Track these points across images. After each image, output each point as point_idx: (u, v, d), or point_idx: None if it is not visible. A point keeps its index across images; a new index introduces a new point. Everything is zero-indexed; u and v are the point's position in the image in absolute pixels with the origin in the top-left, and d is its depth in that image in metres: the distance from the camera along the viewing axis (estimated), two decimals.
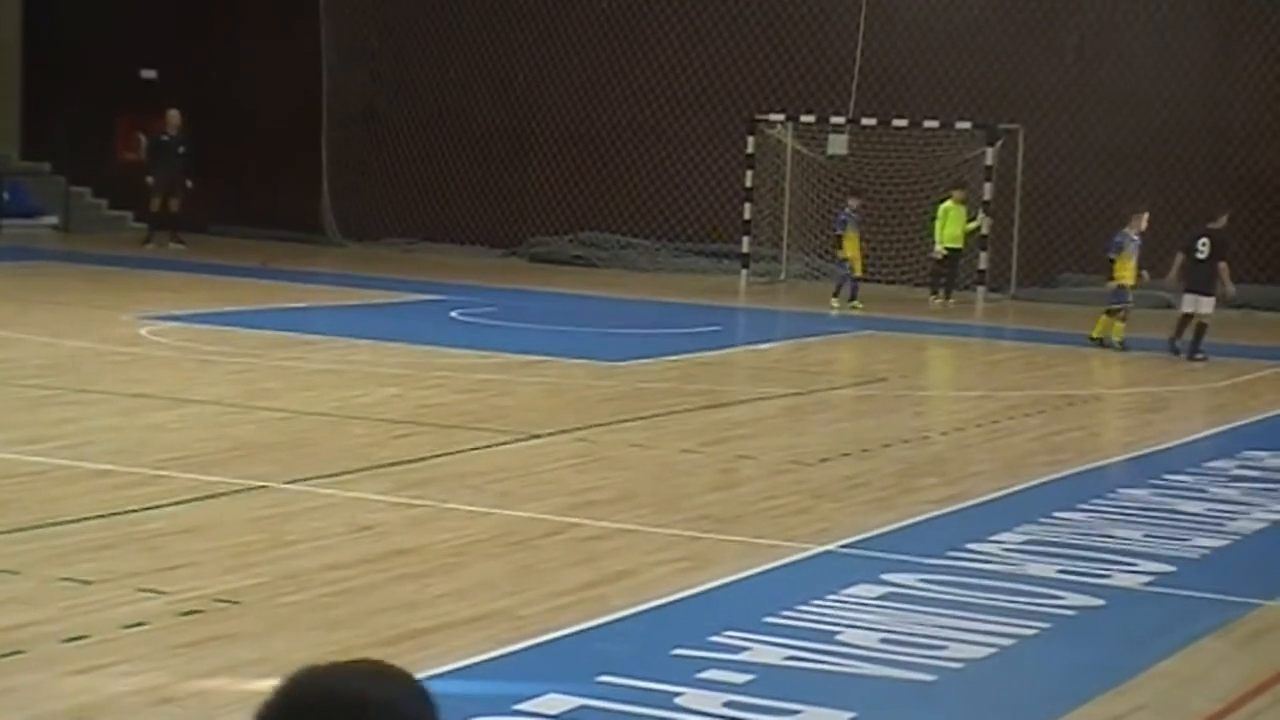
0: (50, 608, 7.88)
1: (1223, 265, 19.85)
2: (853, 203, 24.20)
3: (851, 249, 23.82)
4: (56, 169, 31.71)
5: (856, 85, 27.41)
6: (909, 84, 27.04)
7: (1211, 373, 18.81)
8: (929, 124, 26.24)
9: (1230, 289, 19.96)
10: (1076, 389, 17.12)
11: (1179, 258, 20.13)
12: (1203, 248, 19.96)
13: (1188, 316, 19.70)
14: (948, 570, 9.28)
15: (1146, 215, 20.56)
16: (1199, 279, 19.75)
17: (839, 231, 24.10)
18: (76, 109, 31.29)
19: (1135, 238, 20.36)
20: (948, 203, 24.97)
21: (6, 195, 30.53)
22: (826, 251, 27.22)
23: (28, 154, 32.32)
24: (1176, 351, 19.57)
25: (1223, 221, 20.48)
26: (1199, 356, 19.40)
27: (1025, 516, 10.74)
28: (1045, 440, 13.98)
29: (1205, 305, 19.68)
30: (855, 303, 23.48)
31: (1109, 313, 20.32)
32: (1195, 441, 14.15)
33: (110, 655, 7.22)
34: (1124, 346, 19.95)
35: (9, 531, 9.24)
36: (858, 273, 23.80)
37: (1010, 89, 26.49)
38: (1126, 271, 20.17)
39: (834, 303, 23.53)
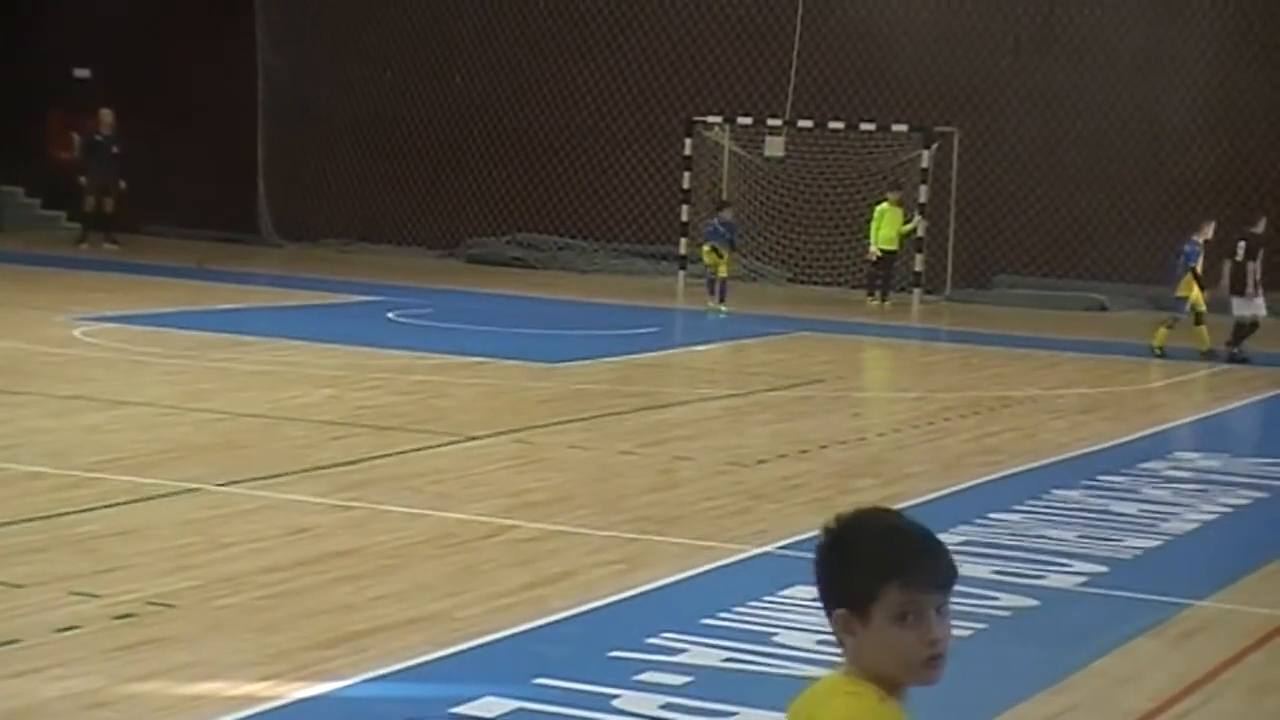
0: None
1: (1253, 265, 20.14)
2: (725, 214, 23.75)
3: (710, 258, 23.31)
4: None
5: (793, 87, 27.50)
6: (846, 86, 27.15)
7: (1146, 374, 18.98)
8: (865, 126, 26.36)
9: (1252, 290, 20.14)
10: (1011, 390, 17.23)
11: (1227, 264, 20.42)
12: (1240, 251, 20.28)
13: (1243, 320, 20.08)
14: None
15: (1213, 224, 20.65)
16: (1237, 281, 20.16)
17: (704, 243, 23.55)
18: (8, 108, 30.98)
19: (1200, 245, 20.49)
20: (884, 205, 25.10)
21: None
22: (764, 253, 27.32)
23: None
24: (1235, 359, 19.81)
25: (1261, 225, 20.81)
26: (1237, 356, 19.78)
27: (961, 517, 10.80)
28: (980, 441, 14.07)
29: (1247, 307, 20.06)
30: (720, 305, 23.09)
31: (1169, 325, 20.35)
32: (1129, 443, 14.27)
33: (43, 659, 7.16)
34: (1162, 353, 20.06)
35: None
36: (723, 272, 23.26)
37: (946, 91, 26.64)
38: (1189, 283, 20.26)
39: (711, 303, 23.15)
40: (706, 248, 23.53)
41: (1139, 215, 26.04)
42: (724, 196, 25.59)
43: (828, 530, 2.96)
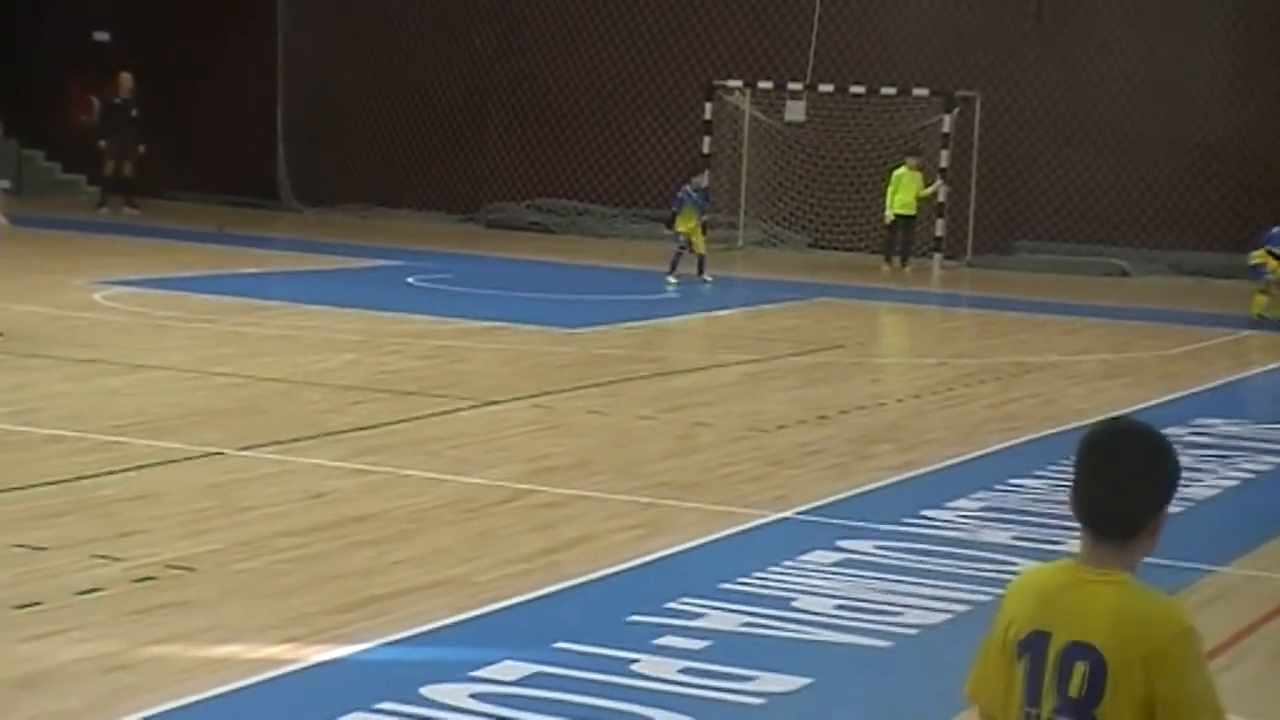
0: (2, 574, 7.83)
1: None
2: (698, 180, 22.64)
3: (686, 226, 21.93)
4: (9, 132, 31.39)
5: (814, 51, 27.38)
6: (867, 51, 27.03)
7: (1165, 340, 18.91)
8: (886, 91, 26.25)
9: None
10: (1031, 356, 17.18)
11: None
12: None
13: None
14: (903, 537, 9.31)
15: None
16: None
17: (674, 209, 22.14)
18: (28, 71, 30.98)
19: None
20: (901, 169, 25.00)
21: None
22: (784, 218, 27.25)
23: None
24: None
25: None
26: None
27: (980, 483, 10.78)
28: (1000, 408, 14.03)
29: None
30: (705, 277, 22.04)
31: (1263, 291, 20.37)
32: (1150, 408, 14.21)
33: (64, 622, 7.18)
34: (1263, 319, 20.03)
35: None
36: (700, 250, 22.06)
37: (968, 56, 26.51)
38: (1263, 254, 20.28)
39: (670, 279, 21.78)
40: (685, 213, 21.91)
41: (1162, 180, 25.90)
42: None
43: (1149, 432, 3.46)
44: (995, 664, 3.43)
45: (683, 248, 22.02)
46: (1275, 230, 20.55)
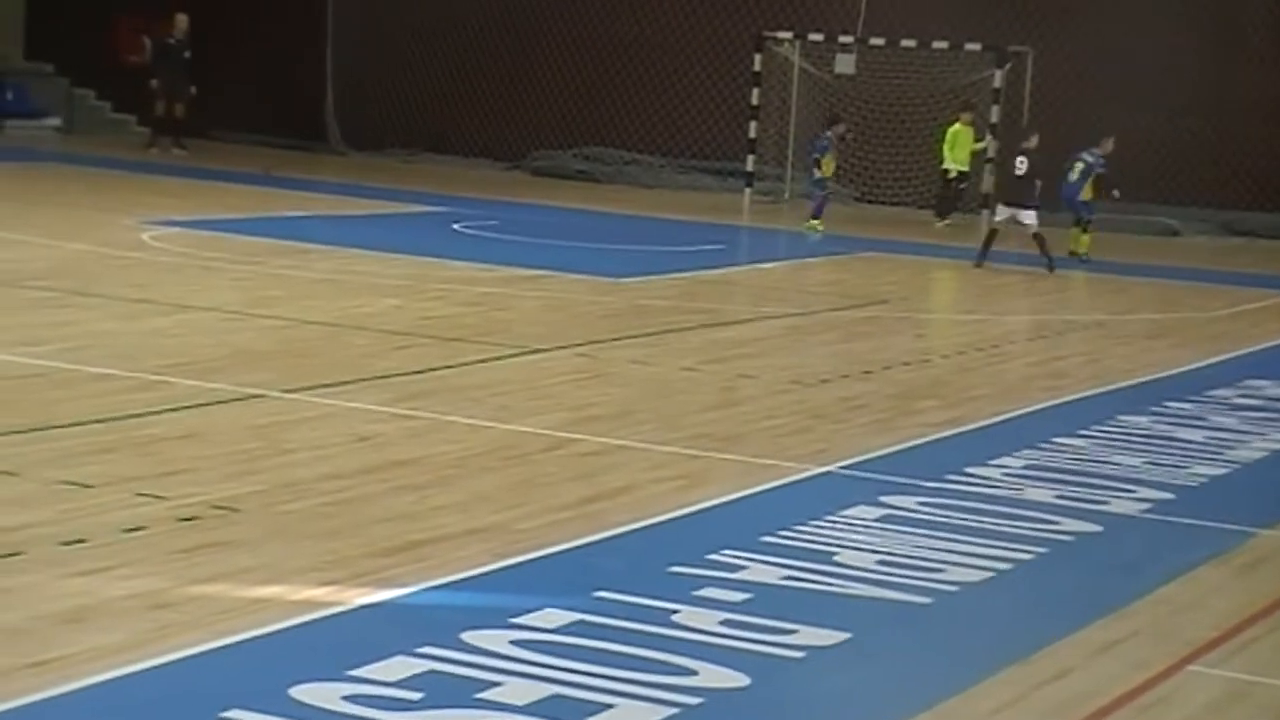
0: (49, 510, 7.89)
1: None
2: (838, 129, 23.63)
3: (829, 170, 23.29)
4: (60, 70, 31.51)
5: (866, 4, 27.18)
6: (919, 4, 26.81)
7: (1213, 300, 18.78)
8: (938, 45, 26.04)
9: None
10: (1078, 314, 17.09)
11: None
12: None
13: None
14: (946, 493, 9.29)
15: None
16: None
17: (817, 155, 23.35)
18: (80, 10, 31.05)
19: None
20: (956, 125, 24.85)
21: (10, 96, 30.38)
22: (812, 167, 27.07)
23: (31, 54, 32.08)
24: None
25: None
26: None
27: (1025, 441, 10.73)
28: (1046, 365, 13.97)
29: None
30: (815, 222, 23.07)
31: None
32: (1196, 369, 14.13)
33: (109, 559, 7.23)
34: None
35: (8, 433, 9.24)
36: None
37: (1021, 10, 26.27)
38: None
39: (816, 224, 22.98)
40: (828, 160, 23.15)
41: (1214, 139, 25.65)
42: (836, 118, 24.67)
43: None
44: None
45: (828, 194, 23.17)
46: None
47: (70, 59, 31.18)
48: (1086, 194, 21.73)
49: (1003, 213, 20.51)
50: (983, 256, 20.31)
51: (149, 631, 6.39)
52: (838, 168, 23.93)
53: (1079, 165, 21.34)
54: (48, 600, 6.68)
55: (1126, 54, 26.00)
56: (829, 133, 23.58)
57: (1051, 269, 19.93)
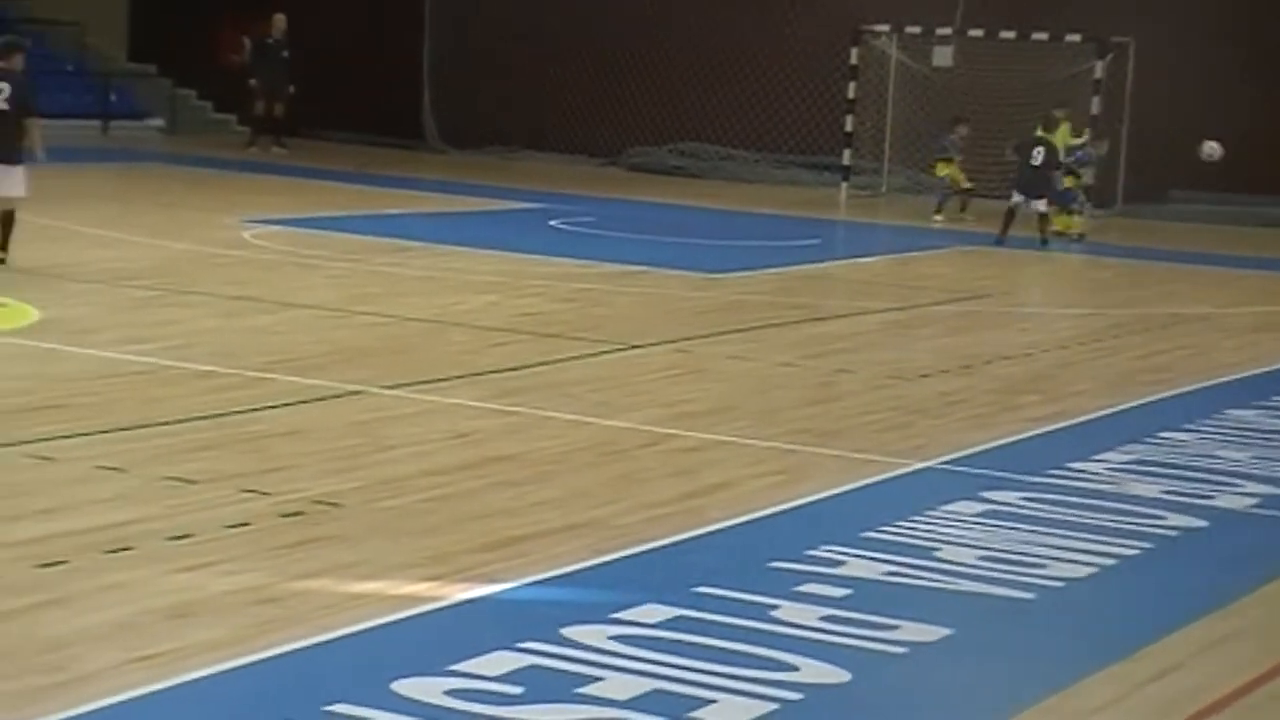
0: (156, 506, 7.99)
1: None
2: (961, 130, 23.94)
3: (946, 170, 23.88)
4: (162, 71, 31.92)
5: None
6: None
7: None
8: (1037, 36, 25.79)
9: None
10: (1183, 307, 16.87)
11: None
12: None
13: None
14: (1049, 488, 9.20)
15: None
16: None
17: (939, 156, 24.02)
18: (182, 11, 31.42)
19: None
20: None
21: (114, 97, 30.81)
22: (928, 165, 26.91)
23: (134, 56, 32.53)
24: None
25: None
26: None
27: (1129, 436, 10.61)
28: (1150, 359, 13.80)
29: None
30: (965, 214, 23.82)
31: None
32: None
33: (214, 554, 7.31)
34: None
35: (116, 430, 9.36)
36: (965, 184, 23.76)
37: (1121, 0, 25.95)
38: None
39: (937, 217, 23.50)
40: (948, 160, 23.76)
41: None
42: (961, 119, 24.87)
43: None
44: None
45: (948, 190, 23.76)
46: None
47: (172, 60, 31.57)
48: (1067, 183, 22.25)
49: (1017, 197, 21.38)
50: (1003, 237, 21.27)
51: (253, 626, 6.45)
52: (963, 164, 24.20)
53: (1039, 150, 21.52)
54: (154, 595, 6.76)
55: (1230, 42, 25.61)
56: (953, 135, 23.93)
57: (1043, 244, 21.29)
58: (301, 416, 10.02)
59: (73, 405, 9.94)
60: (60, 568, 7.03)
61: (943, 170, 23.96)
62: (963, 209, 23.90)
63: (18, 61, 15.19)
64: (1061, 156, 23.31)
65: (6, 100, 14.92)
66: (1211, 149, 20.72)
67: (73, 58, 31.12)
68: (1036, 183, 21.40)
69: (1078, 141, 22.60)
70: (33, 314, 12.84)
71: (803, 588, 7.25)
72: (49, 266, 15.17)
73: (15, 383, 10.51)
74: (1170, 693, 6.38)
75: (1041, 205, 21.38)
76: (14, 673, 5.88)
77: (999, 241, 21.05)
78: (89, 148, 27.43)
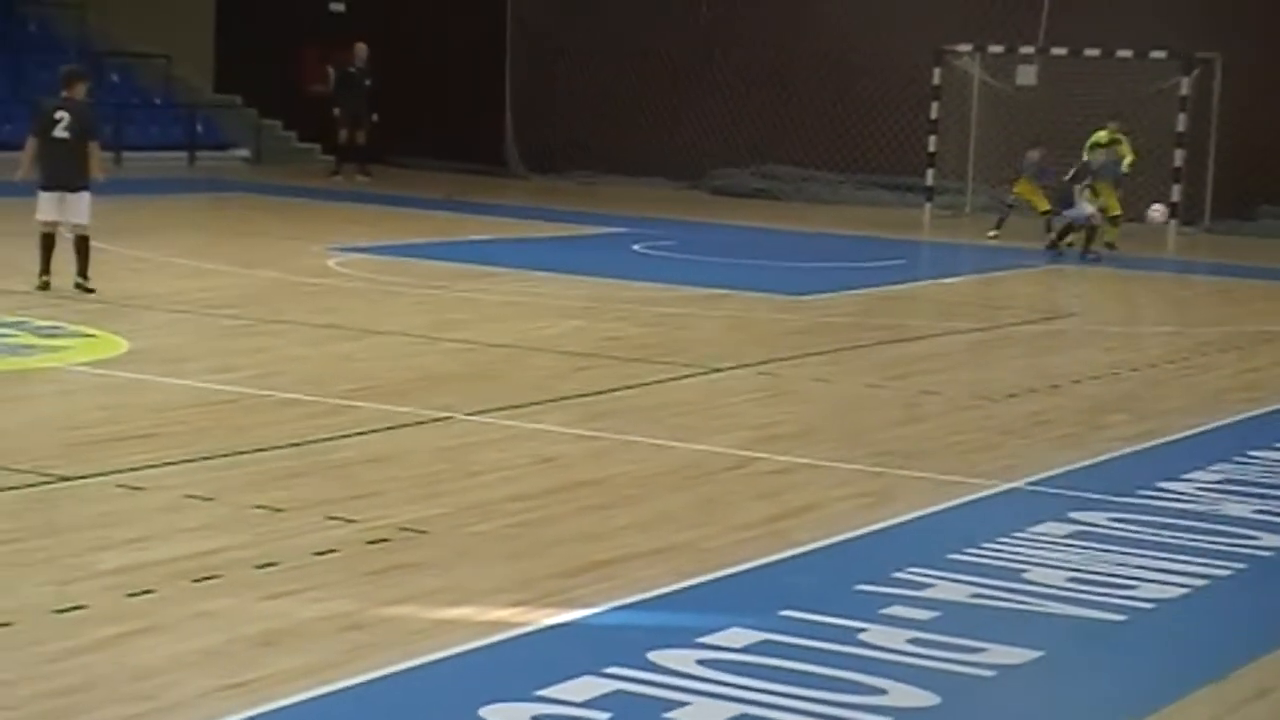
0: (244, 534, 8.05)
1: None
2: (1033, 154, 23.57)
3: (1022, 189, 23.60)
4: (248, 101, 32.28)
5: (1047, 13, 26.80)
6: (1102, 11, 26.37)
7: None
8: (1122, 54, 25.58)
9: None
10: (1274, 325, 16.65)
11: None
12: None
13: None
14: (1139, 509, 9.10)
15: None
16: None
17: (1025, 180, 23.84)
18: (267, 42, 31.78)
19: None
20: (1101, 133, 24.19)
21: (200, 128, 31.18)
22: (1012, 185, 26.74)
23: (220, 87, 32.92)
24: None
25: None
26: None
27: (1220, 455, 10.48)
28: (1241, 377, 13.63)
29: None
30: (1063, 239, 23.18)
31: None
32: None
33: (301, 582, 7.36)
34: None
35: (205, 459, 9.45)
36: (1045, 207, 23.26)
37: (1209, 15, 25.71)
38: None
39: (991, 233, 23.60)
40: (1025, 182, 23.70)
41: None
42: (1035, 143, 24.64)
43: None
44: None
45: (1011, 206, 23.97)
46: None
47: (257, 90, 31.92)
48: (1086, 197, 22.21)
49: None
50: (1055, 245, 21.88)
51: (341, 653, 6.48)
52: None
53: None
54: (243, 623, 6.81)
55: None
56: (1027, 159, 23.76)
57: (1084, 253, 21.58)
58: (387, 443, 10.07)
59: (162, 435, 10.04)
60: (149, 596, 7.10)
61: (1020, 189, 23.75)
62: (998, 226, 23.72)
63: (79, 90, 15.42)
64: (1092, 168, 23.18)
65: (66, 129, 15.14)
66: (1157, 212, 21.40)
67: (160, 90, 31.54)
68: (1065, 196, 21.93)
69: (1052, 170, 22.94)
70: (122, 345, 12.99)
71: (889, 610, 7.21)
72: (137, 297, 15.36)
73: (105, 413, 10.63)
74: (1265, 714, 6.29)
75: (1072, 213, 21.81)
76: (105, 701, 5.94)
77: (1055, 253, 21.69)
78: (176, 179, 27.78)
